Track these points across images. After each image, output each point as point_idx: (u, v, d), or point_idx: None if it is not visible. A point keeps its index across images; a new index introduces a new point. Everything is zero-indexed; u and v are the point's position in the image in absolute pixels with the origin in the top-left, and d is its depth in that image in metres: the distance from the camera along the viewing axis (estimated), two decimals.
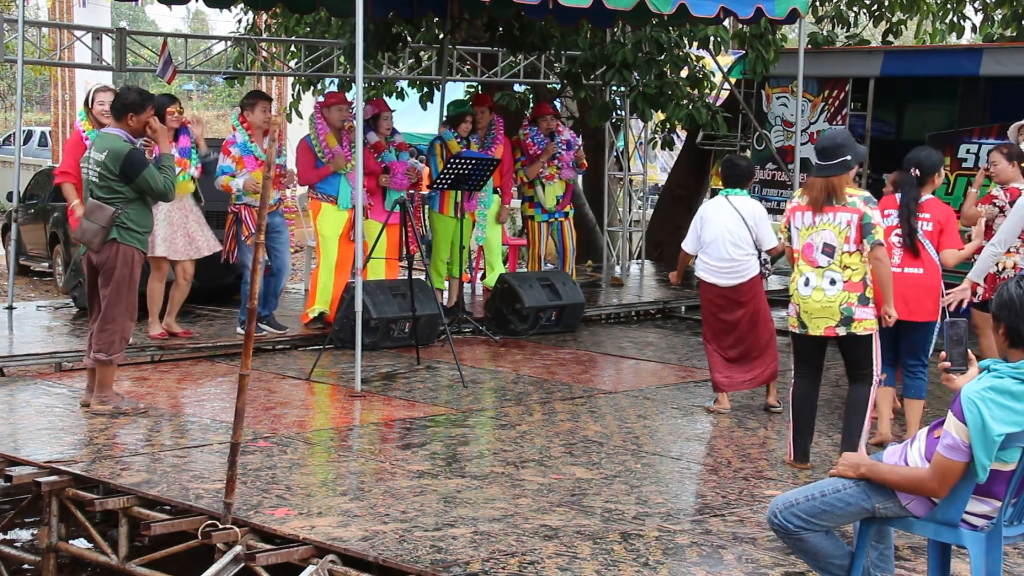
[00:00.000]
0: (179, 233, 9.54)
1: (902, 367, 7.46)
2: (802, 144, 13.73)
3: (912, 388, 7.39)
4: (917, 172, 7.29)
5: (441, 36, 14.11)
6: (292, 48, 15.52)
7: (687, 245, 8.26)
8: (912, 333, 7.30)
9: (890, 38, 15.70)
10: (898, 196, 7.36)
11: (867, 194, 6.63)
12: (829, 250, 6.57)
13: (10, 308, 10.97)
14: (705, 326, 8.35)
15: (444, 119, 11.56)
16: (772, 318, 8.42)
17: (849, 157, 6.53)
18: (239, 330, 9.95)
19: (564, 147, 12.03)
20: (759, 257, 8.14)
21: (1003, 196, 8.32)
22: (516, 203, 14.02)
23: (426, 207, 12.67)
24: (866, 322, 6.56)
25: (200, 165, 9.63)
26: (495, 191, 11.68)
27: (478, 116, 11.41)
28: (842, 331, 6.57)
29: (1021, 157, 8.50)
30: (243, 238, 9.64)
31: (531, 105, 15.63)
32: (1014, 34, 14.88)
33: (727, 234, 8.00)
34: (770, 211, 15.99)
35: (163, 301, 9.70)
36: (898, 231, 7.26)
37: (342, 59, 14.31)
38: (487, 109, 11.49)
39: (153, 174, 7.48)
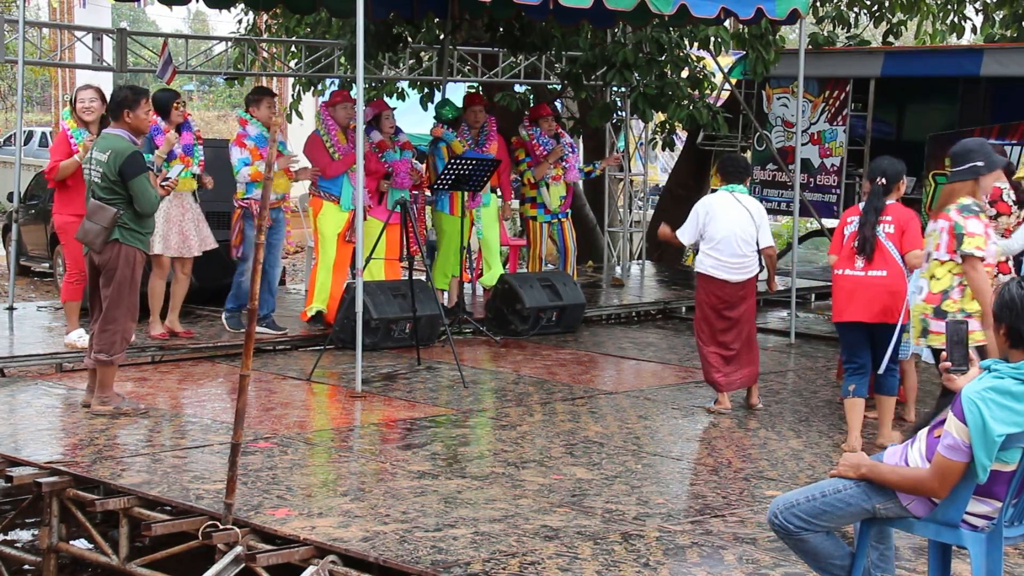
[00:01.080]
0: (174, 230, 9.57)
1: (875, 368, 7.46)
2: (803, 144, 13.74)
3: (883, 385, 7.43)
4: (883, 181, 7.29)
5: (442, 37, 14.11)
6: (292, 49, 15.53)
7: (686, 236, 8.27)
8: (883, 334, 7.33)
9: (890, 39, 15.70)
10: (861, 205, 7.41)
11: (968, 202, 6.51)
12: (927, 257, 6.59)
13: (11, 309, 10.96)
14: (703, 325, 8.31)
15: (439, 121, 11.53)
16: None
17: (980, 163, 6.45)
18: (224, 324, 10.00)
19: (570, 149, 12.08)
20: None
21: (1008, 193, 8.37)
22: (515, 203, 14.02)
23: (428, 207, 12.66)
24: (942, 336, 6.38)
25: (202, 160, 9.66)
26: (493, 190, 11.69)
27: (472, 115, 11.42)
28: (922, 342, 6.50)
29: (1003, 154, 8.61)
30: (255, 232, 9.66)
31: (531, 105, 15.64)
32: (1014, 35, 14.88)
33: (738, 231, 8.09)
34: (770, 211, 16.06)
35: (163, 299, 9.72)
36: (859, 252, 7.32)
37: (342, 60, 14.32)
38: (481, 108, 11.49)
39: (147, 184, 7.47)
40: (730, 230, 8.07)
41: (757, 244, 8.18)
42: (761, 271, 8.44)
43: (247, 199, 9.75)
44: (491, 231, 11.77)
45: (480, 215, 11.48)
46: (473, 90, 16.94)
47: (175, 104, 9.50)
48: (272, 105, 9.92)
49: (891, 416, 7.48)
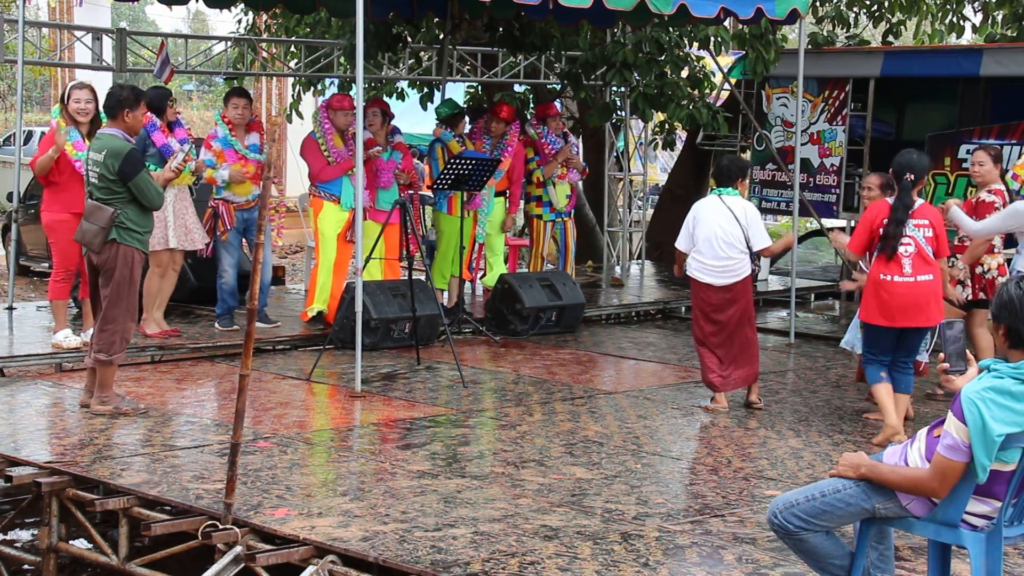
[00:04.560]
0: (179, 223, 9.61)
1: (895, 365, 7.58)
2: (802, 144, 13.73)
3: (904, 383, 7.56)
4: (911, 177, 7.34)
5: (441, 36, 14.11)
6: (292, 48, 15.53)
7: (680, 244, 8.33)
8: (917, 335, 7.52)
9: (890, 38, 15.70)
10: (889, 200, 7.44)
11: None
12: None
13: (10, 308, 10.96)
14: (696, 326, 8.37)
15: (439, 121, 11.52)
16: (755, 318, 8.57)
17: None
18: (216, 326, 10.01)
19: (575, 149, 12.12)
20: (751, 256, 8.24)
21: (997, 200, 8.43)
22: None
23: (425, 207, 12.64)
24: None
25: (189, 156, 9.69)
26: (499, 194, 11.64)
27: (494, 126, 11.40)
28: None
29: (1000, 158, 8.65)
30: (219, 234, 9.76)
31: (531, 105, 15.65)
32: (1014, 34, 14.88)
33: (721, 233, 8.07)
34: (769, 211, 16.07)
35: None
36: (905, 241, 7.34)
37: (342, 59, 14.32)
38: (502, 121, 11.41)
39: (149, 181, 7.48)
40: (711, 232, 8.07)
41: (749, 247, 8.16)
42: (756, 273, 8.46)
43: (216, 200, 9.85)
44: (495, 233, 11.76)
45: (484, 217, 11.48)
46: (473, 90, 16.99)
47: (168, 103, 9.59)
48: (239, 105, 9.93)
49: (904, 414, 7.63)
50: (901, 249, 7.30)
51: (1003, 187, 8.53)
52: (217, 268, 10.02)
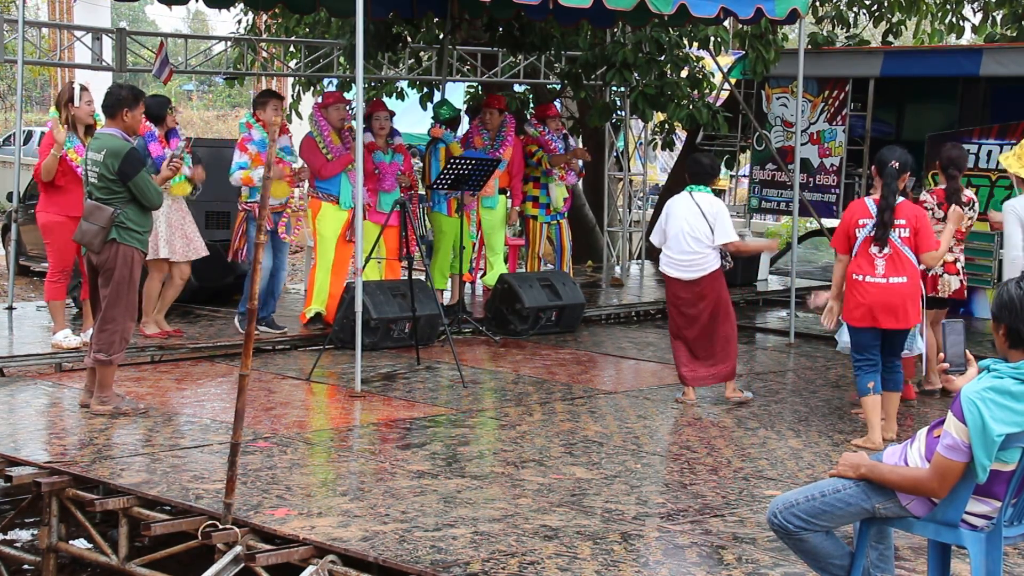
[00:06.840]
0: (177, 234, 9.58)
1: (885, 366, 7.60)
2: (802, 144, 13.73)
3: (891, 382, 7.57)
4: (896, 164, 7.27)
5: (441, 36, 14.12)
6: (292, 48, 15.53)
7: (653, 238, 8.52)
8: (897, 336, 7.50)
9: (890, 38, 15.70)
10: (866, 199, 7.44)
11: None
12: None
13: (10, 308, 10.97)
14: (671, 321, 8.52)
15: (436, 121, 11.51)
16: (734, 313, 8.60)
17: None
18: (236, 323, 9.98)
19: None
20: (721, 251, 8.32)
21: (931, 199, 8.50)
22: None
23: (422, 207, 12.64)
24: None
25: (193, 166, 9.66)
26: (502, 191, 11.67)
27: (488, 117, 11.43)
28: None
29: (953, 164, 8.58)
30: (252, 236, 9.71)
31: (531, 105, 15.66)
32: (1014, 34, 14.89)
33: (688, 228, 8.23)
34: (770, 211, 16.08)
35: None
36: (876, 241, 7.32)
37: (342, 59, 14.32)
38: (496, 111, 11.48)
39: (148, 180, 7.49)
40: (679, 228, 8.25)
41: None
42: (726, 267, 8.43)
43: (250, 203, 9.74)
44: (496, 232, 11.76)
45: (485, 216, 11.48)
46: (473, 90, 17.00)
47: (168, 110, 9.58)
48: (278, 108, 9.89)
49: (896, 410, 7.63)
50: (874, 249, 7.27)
51: (941, 186, 8.61)
52: (239, 271, 9.93)
